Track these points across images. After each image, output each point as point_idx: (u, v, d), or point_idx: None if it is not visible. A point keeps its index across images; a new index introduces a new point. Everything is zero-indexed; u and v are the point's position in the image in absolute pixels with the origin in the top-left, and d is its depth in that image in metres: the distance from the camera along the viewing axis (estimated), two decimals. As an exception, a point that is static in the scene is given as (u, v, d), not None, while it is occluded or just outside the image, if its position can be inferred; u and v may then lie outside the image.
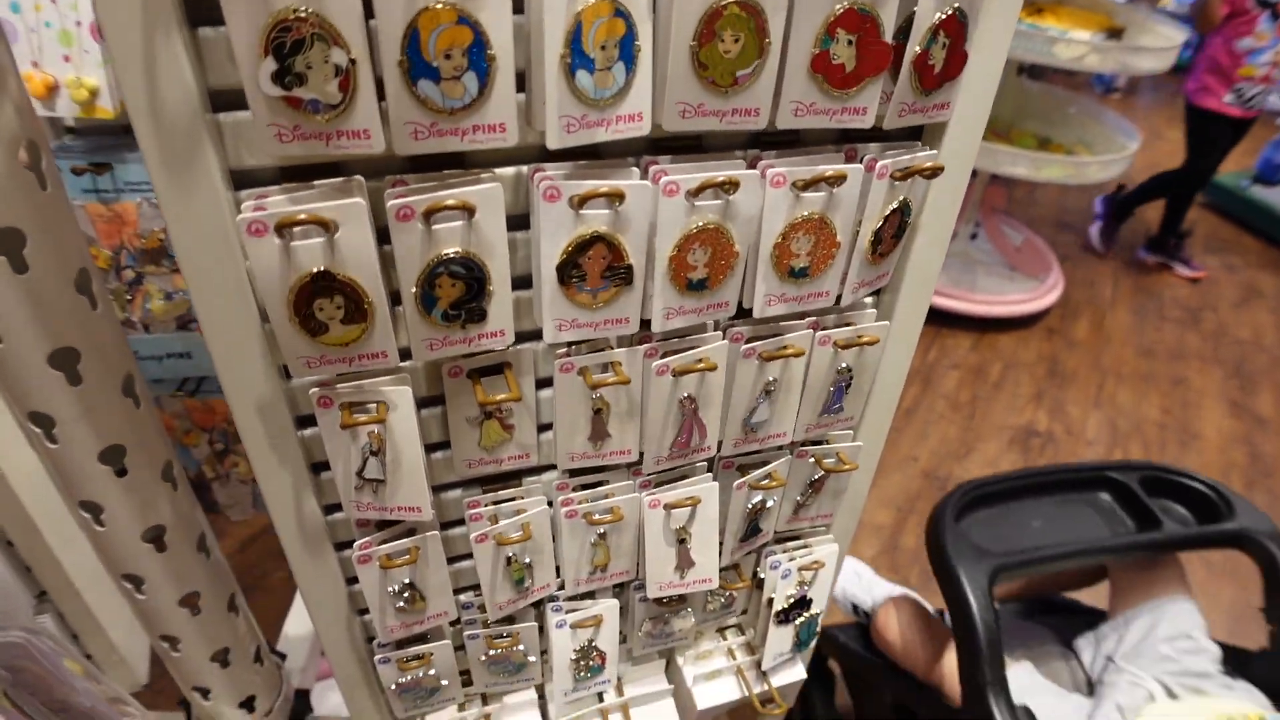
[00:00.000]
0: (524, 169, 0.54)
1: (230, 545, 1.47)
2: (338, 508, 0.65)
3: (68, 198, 0.56)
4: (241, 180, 0.51)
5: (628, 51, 0.47)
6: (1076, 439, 2.31)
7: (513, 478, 0.70)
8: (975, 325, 2.84)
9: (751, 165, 0.55)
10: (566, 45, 0.45)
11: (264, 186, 0.51)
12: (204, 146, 0.47)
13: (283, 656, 0.94)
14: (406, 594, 0.67)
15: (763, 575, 0.81)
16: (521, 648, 0.75)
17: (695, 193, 0.52)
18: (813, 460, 0.73)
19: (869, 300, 0.67)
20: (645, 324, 0.59)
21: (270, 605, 1.29)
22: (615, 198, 0.51)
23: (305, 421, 0.61)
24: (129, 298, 0.84)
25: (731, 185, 0.52)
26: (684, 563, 0.71)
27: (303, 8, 0.42)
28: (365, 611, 0.72)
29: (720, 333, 0.62)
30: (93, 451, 0.61)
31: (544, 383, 0.63)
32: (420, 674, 0.74)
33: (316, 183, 0.51)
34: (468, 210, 0.49)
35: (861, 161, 0.56)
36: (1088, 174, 2.64)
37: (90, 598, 0.93)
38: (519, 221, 0.55)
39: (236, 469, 1.13)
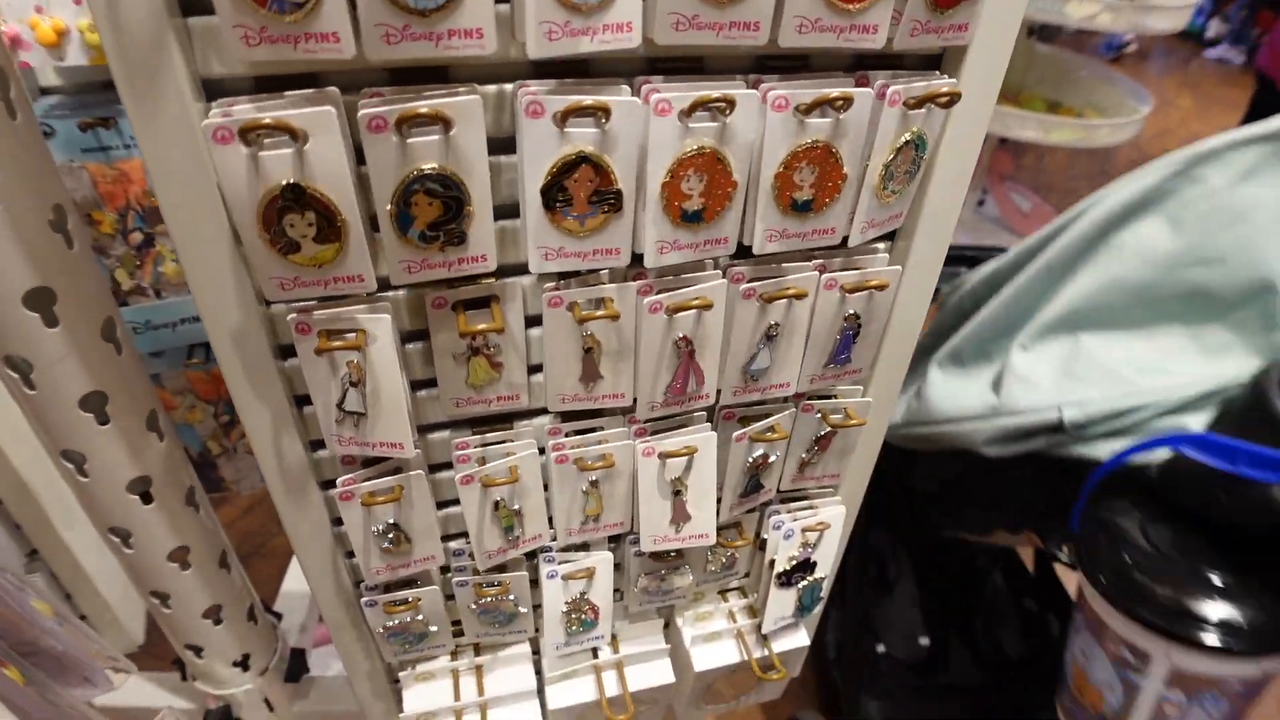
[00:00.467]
0: (509, 86, 0.51)
1: (234, 511, 1.47)
2: (323, 445, 0.64)
3: (40, 135, 0.54)
4: (215, 91, 0.49)
5: (614, -50, 0.44)
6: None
7: (505, 421, 0.67)
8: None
9: (752, 87, 0.51)
10: (546, -60, 0.42)
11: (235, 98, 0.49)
12: (170, 52, 0.45)
13: (278, 616, 0.94)
14: (391, 535, 0.66)
15: (765, 535, 0.77)
16: (512, 598, 0.74)
17: (689, 112, 0.49)
18: (819, 415, 0.69)
19: (881, 246, 0.63)
20: (640, 261, 0.56)
21: (272, 570, 1.28)
22: (602, 113, 0.47)
23: (287, 353, 0.59)
24: (139, 263, 0.81)
25: (728, 104, 0.48)
26: (679, 516, 0.69)
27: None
28: (353, 554, 0.70)
29: (720, 272, 0.59)
30: (73, 398, 0.59)
31: (535, 321, 0.60)
32: (408, 619, 0.73)
33: (289, 93, 0.48)
34: (444, 122, 0.47)
35: (875, 85, 0.52)
36: (1098, 137, 2.54)
37: (83, 557, 0.92)
38: (506, 145, 0.53)
39: (243, 440, 1.11)
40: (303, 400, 0.61)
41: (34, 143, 0.53)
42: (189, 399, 0.91)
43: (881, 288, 0.60)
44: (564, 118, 0.47)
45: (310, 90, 0.48)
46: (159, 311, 0.83)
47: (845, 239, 0.58)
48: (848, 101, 0.50)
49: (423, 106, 0.45)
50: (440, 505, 0.70)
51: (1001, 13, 0.53)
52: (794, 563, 0.76)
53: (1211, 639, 0.69)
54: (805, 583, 0.78)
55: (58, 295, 0.55)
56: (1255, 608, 0.70)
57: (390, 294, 0.57)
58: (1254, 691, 0.76)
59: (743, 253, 0.58)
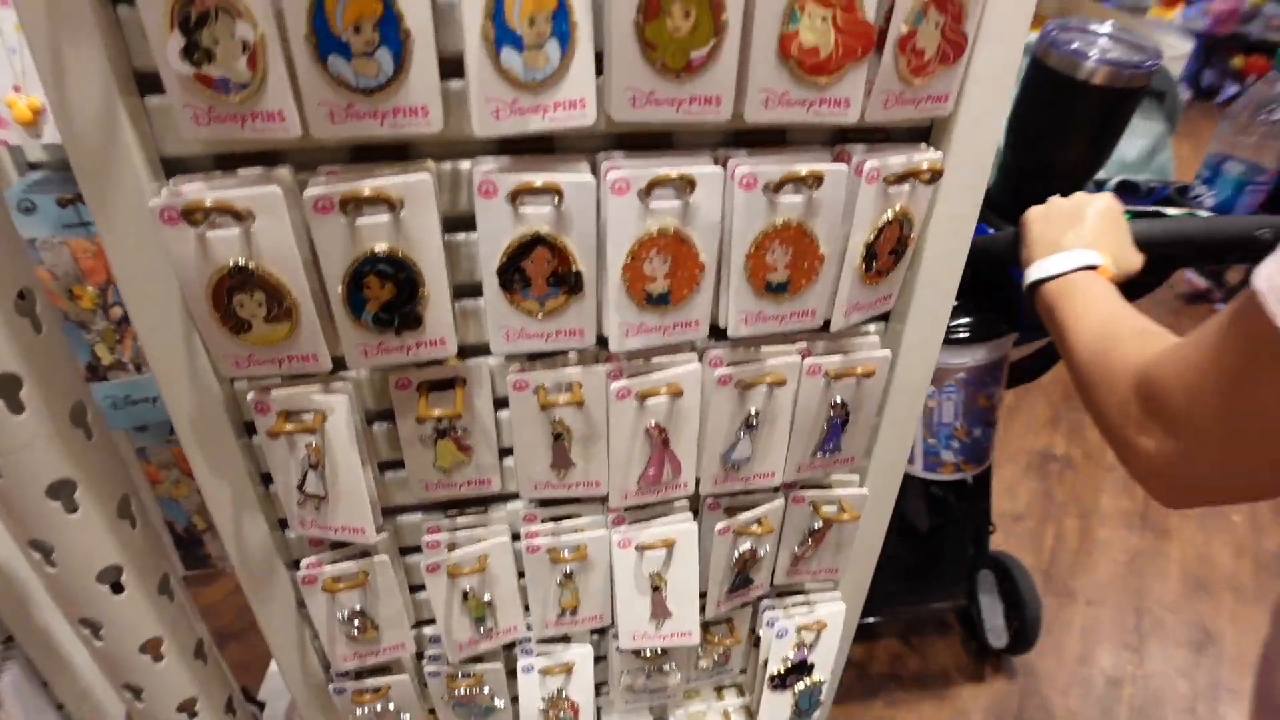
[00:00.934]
0: (467, 164, 0.49)
1: (229, 585, 1.42)
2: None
3: (9, 216, 0.54)
4: (175, 168, 0.48)
5: (561, 27, 0.42)
6: (1096, 464, 2.13)
7: (481, 504, 0.64)
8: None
9: (720, 163, 0.49)
10: (488, 18, 0.41)
11: (194, 174, 0.49)
12: (123, 132, 0.45)
13: (261, 705, 0.90)
14: (356, 621, 0.63)
15: (759, 632, 0.72)
16: (487, 690, 0.70)
17: (648, 191, 0.46)
18: (810, 507, 0.64)
19: (871, 327, 0.59)
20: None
21: (262, 650, 1.23)
22: (554, 194, 0.45)
23: (252, 429, 0.58)
24: (119, 338, 0.80)
25: (687, 184, 0.46)
26: (659, 612, 0.64)
27: (205, -23, 0.39)
28: (323, 638, 0.68)
29: (695, 354, 0.56)
30: (40, 485, 0.57)
31: (506, 403, 0.58)
32: (379, 708, 0.69)
33: (241, 171, 0.48)
34: (390, 203, 0.45)
35: (853, 162, 0.49)
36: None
37: (61, 643, 0.88)
38: (468, 222, 0.51)
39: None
40: (269, 477, 0.60)
41: (5, 233, 0.53)
42: (174, 474, 0.90)
43: (869, 375, 0.56)
44: (516, 197, 0.46)
45: (260, 170, 0.48)
46: (138, 387, 0.82)
47: (827, 322, 0.55)
48: (818, 179, 0.47)
49: (366, 189, 0.44)
50: (414, 589, 0.67)
51: (988, 80, 0.50)
52: (789, 664, 0.70)
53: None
54: (802, 685, 0.72)
55: (23, 380, 0.54)
56: (967, 315, 0.99)
57: (352, 373, 0.55)
58: (974, 379, 1.03)
59: (721, 333, 0.55)
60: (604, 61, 0.45)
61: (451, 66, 0.44)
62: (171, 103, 0.43)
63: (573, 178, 0.46)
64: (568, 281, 0.49)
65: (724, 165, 0.49)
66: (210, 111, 0.43)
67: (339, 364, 0.53)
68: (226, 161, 0.49)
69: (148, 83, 0.46)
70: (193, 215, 0.44)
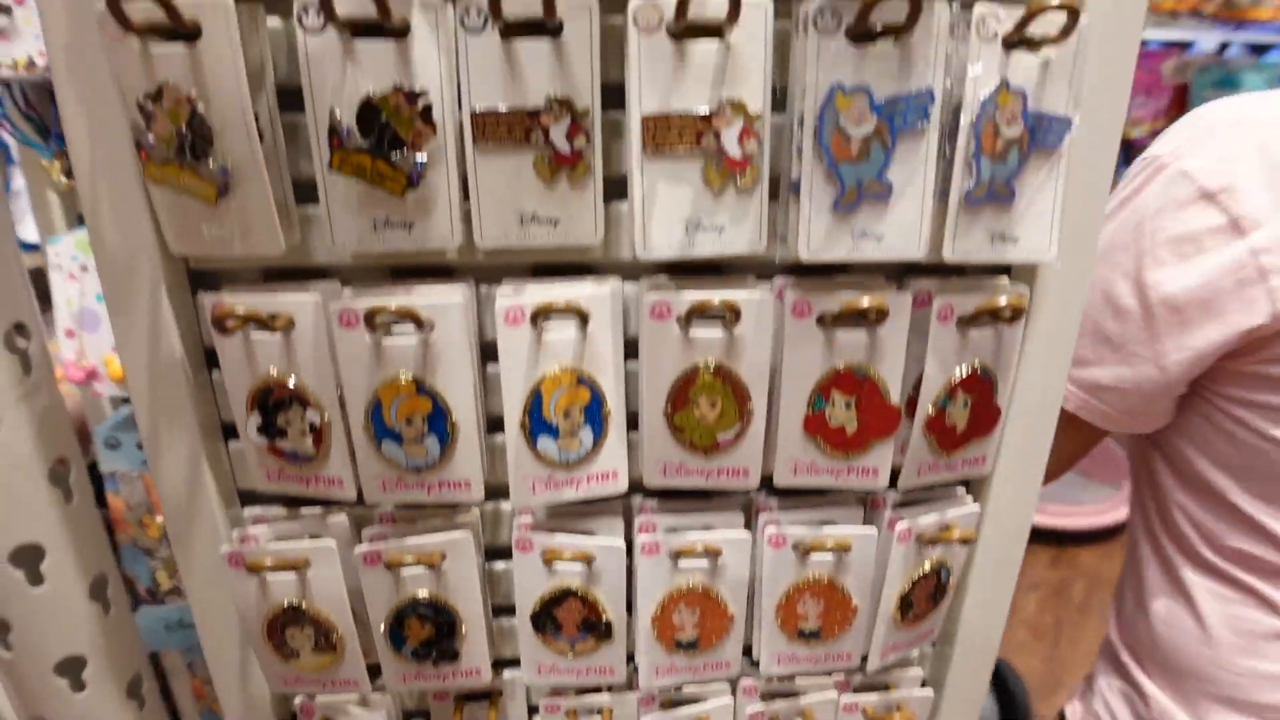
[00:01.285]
0: (508, 505, 0.52)
1: None
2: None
3: (94, 508, 0.59)
4: (250, 499, 0.53)
5: (595, 416, 0.45)
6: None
7: (516, 798, 0.64)
8: (1051, 539, 2.40)
9: (750, 516, 0.50)
10: (525, 413, 0.44)
11: (268, 506, 0.53)
12: (203, 474, 0.50)
13: None
14: None
15: None
16: None
17: (677, 554, 0.48)
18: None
19: (914, 654, 0.58)
20: (645, 665, 0.53)
21: None
22: (586, 559, 0.47)
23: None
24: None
25: (713, 552, 0.47)
26: None
27: (284, 375, 0.44)
28: None
29: (728, 686, 0.55)
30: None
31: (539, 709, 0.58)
32: None
33: (304, 511, 0.52)
34: (431, 561, 0.48)
35: (885, 514, 0.50)
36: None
37: None
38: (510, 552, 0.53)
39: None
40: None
41: (88, 522, 0.58)
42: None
43: None
44: (549, 558, 0.48)
45: (319, 515, 0.51)
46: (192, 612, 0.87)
47: (864, 658, 0.54)
48: (845, 548, 0.48)
49: (409, 555, 0.47)
50: None
51: (1029, 435, 0.50)
52: None
53: None
54: None
55: (88, 661, 0.58)
56: None
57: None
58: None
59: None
60: (638, 428, 0.47)
61: (496, 422, 0.48)
62: (249, 460, 0.48)
63: (602, 542, 0.47)
64: (598, 630, 0.50)
65: (756, 514, 0.50)
66: (281, 472, 0.48)
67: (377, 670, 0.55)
68: (296, 500, 0.53)
69: (231, 429, 0.51)
70: (255, 567, 0.48)
